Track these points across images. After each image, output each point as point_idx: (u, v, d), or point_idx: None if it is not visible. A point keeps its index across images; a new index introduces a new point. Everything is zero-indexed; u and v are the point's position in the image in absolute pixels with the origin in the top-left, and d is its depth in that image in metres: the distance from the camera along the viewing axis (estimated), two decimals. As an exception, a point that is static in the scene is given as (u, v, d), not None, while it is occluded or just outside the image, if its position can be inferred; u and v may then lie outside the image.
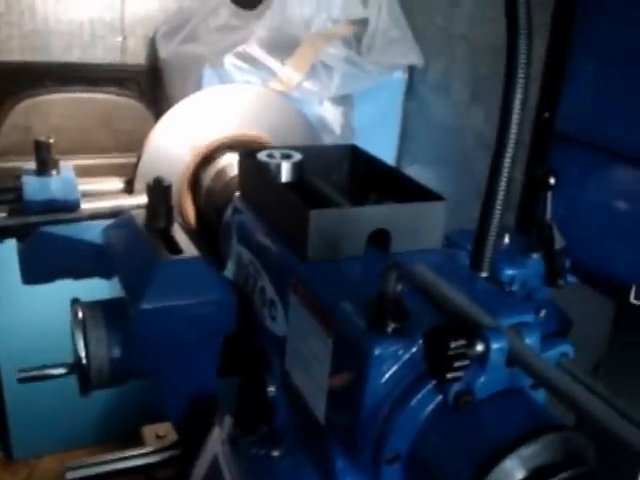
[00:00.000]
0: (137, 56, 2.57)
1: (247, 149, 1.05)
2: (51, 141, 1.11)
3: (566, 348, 0.80)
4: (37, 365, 0.86)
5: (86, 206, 1.11)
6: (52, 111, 2.36)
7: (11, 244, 1.01)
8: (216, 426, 0.84)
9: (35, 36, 2.42)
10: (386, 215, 0.73)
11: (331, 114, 2.35)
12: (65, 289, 0.94)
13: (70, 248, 0.94)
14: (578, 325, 0.89)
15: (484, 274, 0.72)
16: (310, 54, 2.22)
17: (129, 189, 1.21)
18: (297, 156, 0.87)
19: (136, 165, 1.21)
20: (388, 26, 2.32)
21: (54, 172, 1.12)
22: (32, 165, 1.12)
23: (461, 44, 2.23)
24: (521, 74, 0.65)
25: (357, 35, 2.33)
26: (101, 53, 2.52)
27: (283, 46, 2.21)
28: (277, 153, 0.87)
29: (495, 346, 0.54)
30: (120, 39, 2.53)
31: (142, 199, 1.02)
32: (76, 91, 2.42)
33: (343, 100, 2.35)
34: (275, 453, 0.74)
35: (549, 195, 0.83)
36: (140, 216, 0.91)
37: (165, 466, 0.92)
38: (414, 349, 0.57)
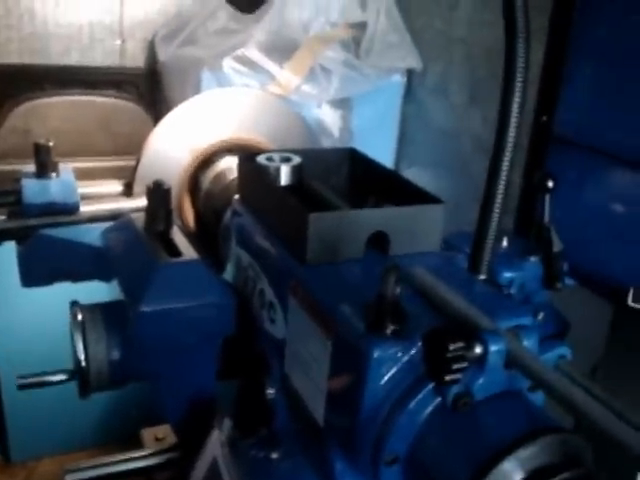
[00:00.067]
0: (136, 59, 2.57)
1: (246, 152, 1.05)
2: (51, 144, 1.11)
3: (564, 350, 0.81)
4: (36, 367, 0.86)
5: (85, 209, 1.11)
6: (51, 114, 2.37)
7: (10, 247, 1.01)
8: (215, 428, 0.84)
9: (34, 39, 2.42)
10: (385, 218, 0.73)
11: (330, 117, 2.36)
12: (64, 292, 0.94)
13: (69, 251, 0.94)
14: (576, 328, 0.89)
15: (482, 277, 0.72)
16: (309, 57, 2.22)
17: (128, 192, 1.21)
18: (296, 159, 0.87)
19: (135, 168, 1.21)
20: (386, 29, 2.33)
21: (53, 175, 1.12)
22: (31, 168, 1.12)
23: (459, 47, 2.24)
24: (519, 77, 0.66)
25: (356, 38, 2.34)
26: (100, 56, 2.52)
27: (282, 49, 2.22)
28: (276, 156, 0.87)
29: (493, 348, 0.54)
30: (119, 42, 2.54)
31: (141, 202, 1.03)
32: (75, 94, 2.42)
33: (342, 103, 2.36)
34: (274, 455, 0.74)
35: (547, 198, 0.83)
36: (139, 219, 0.91)
37: (164, 468, 0.92)
38: (413, 351, 0.57)
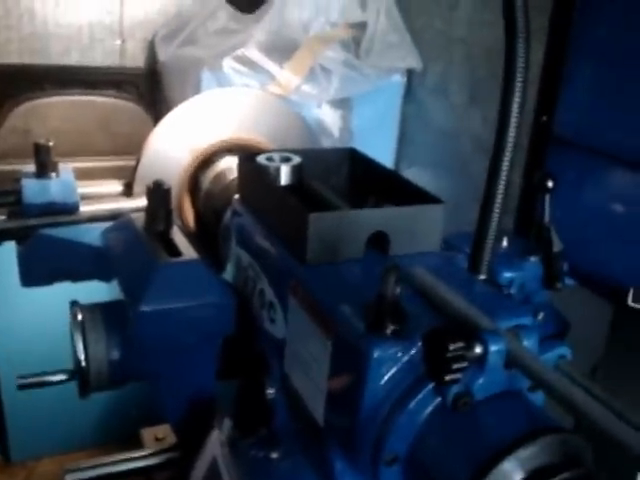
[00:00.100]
0: (136, 59, 2.57)
1: (246, 152, 1.05)
2: (51, 144, 1.11)
3: (564, 350, 0.81)
4: (36, 367, 0.86)
5: (85, 209, 1.11)
6: (51, 114, 2.37)
7: (10, 246, 1.01)
8: (215, 428, 0.84)
9: (34, 39, 2.42)
10: (385, 218, 0.73)
11: (330, 117, 2.36)
12: (64, 292, 0.94)
13: (69, 251, 0.94)
14: (576, 328, 0.89)
15: (482, 277, 0.72)
16: (309, 57, 2.22)
17: (128, 192, 1.21)
18: (296, 159, 0.87)
19: (135, 168, 1.21)
20: (386, 29, 2.33)
21: (53, 175, 1.12)
22: (31, 168, 1.12)
23: (459, 47, 2.24)
24: (519, 77, 0.66)
25: (356, 38, 2.34)
26: (100, 56, 2.52)
27: (282, 49, 2.22)
28: (276, 156, 0.87)
29: (493, 348, 0.54)
30: (119, 42, 2.54)
31: (141, 202, 1.03)
32: (75, 94, 2.43)
33: (342, 103, 2.36)
34: (274, 455, 0.74)
35: (547, 198, 0.83)
36: (139, 219, 0.91)
37: (164, 468, 0.92)
38: (413, 351, 0.57)
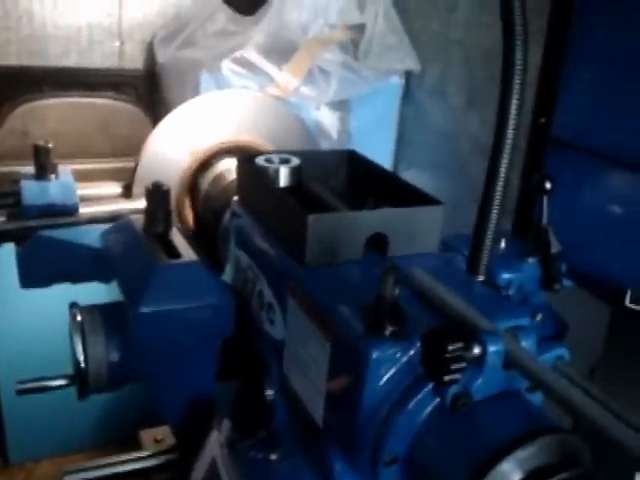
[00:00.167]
0: (135, 61, 2.57)
1: (245, 154, 1.06)
2: (50, 146, 1.11)
3: (562, 351, 0.81)
4: (35, 368, 0.86)
5: (85, 210, 1.11)
6: (49, 116, 2.37)
7: (9, 248, 1.01)
8: (214, 430, 0.84)
9: (33, 41, 2.42)
10: (384, 219, 0.73)
11: (328, 119, 2.36)
12: (63, 293, 0.94)
13: (69, 252, 0.94)
14: (574, 329, 0.89)
15: (480, 278, 0.73)
16: (307, 59, 2.23)
17: (127, 194, 1.21)
18: (295, 161, 0.87)
19: (134, 170, 1.21)
20: (385, 31, 2.33)
21: (53, 176, 1.12)
22: (30, 169, 1.12)
23: (457, 49, 2.24)
24: (517, 79, 0.66)
25: (354, 40, 2.34)
26: (99, 58, 2.53)
27: (280, 51, 2.22)
28: (275, 158, 0.87)
29: (492, 349, 0.54)
30: (118, 44, 2.54)
31: (140, 203, 1.03)
32: (73, 96, 2.43)
33: (340, 105, 2.36)
34: (273, 456, 0.74)
35: (545, 200, 0.83)
36: (138, 220, 0.91)
37: (163, 470, 0.92)
38: (412, 352, 0.57)
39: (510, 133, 0.67)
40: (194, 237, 1.23)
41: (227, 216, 0.93)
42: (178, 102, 1.26)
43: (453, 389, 0.55)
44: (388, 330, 0.57)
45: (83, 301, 0.84)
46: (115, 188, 1.23)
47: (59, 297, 0.93)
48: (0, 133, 2.31)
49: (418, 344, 0.57)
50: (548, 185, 0.83)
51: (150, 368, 0.82)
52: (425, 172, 2.44)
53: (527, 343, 0.60)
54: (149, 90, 2.54)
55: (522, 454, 0.50)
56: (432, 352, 0.54)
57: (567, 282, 0.87)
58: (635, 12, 1.58)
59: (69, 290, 0.94)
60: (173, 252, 0.84)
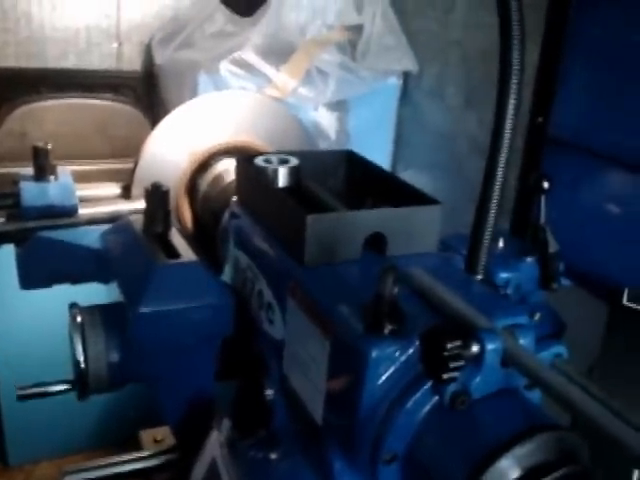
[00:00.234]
0: (133, 62, 2.58)
1: (244, 154, 1.06)
2: (49, 147, 1.11)
3: (560, 349, 0.81)
4: (34, 369, 0.86)
5: (84, 211, 1.11)
6: (48, 117, 2.37)
7: (9, 249, 1.01)
8: (214, 429, 0.84)
9: (31, 43, 2.43)
10: (382, 219, 0.74)
11: (326, 120, 2.37)
12: (63, 294, 0.94)
13: (68, 253, 0.94)
14: (572, 328, 0.90)
15: (479, 277, 0.73)
16: (305, 60, 2.23)
17: (126, 194, 1.21)
18: (294, 161, 0.87)
19: (133, 171, 1.21)
20: (382, 32, 2.34)
21: (52, 178, 1.12)
22: (29, 171, 1.12)
23: (455, 50, 2.24)
24: (514, 79, 0.66)
25: (352, 41, 2.34)
26: (97, 60, 2.53)
27: (278, 52, 2.23)
28: (274, 158, 0.87)
29: (490, 347, 0.55)
30: (116, 45, 2.54)
31: (139, 204, 1.03)
32: (72, 97, 2.43)
33: (338, 106, 2.37)
34: (273, 456, 0.75)
35: (543, 199, 0.83)
36: (138, 221, 0.91)
37: (163, 470, 0.92)
38: (411, 351, 0.57)
39: (507, 133, 0.67)
40: (193, 238, 1.23)
41: (226, 216, 0.94)
42: (176, 103, 1.26)
43: (452, 387, 0.55)
44: (387, 329, 0.57)
45: (83, 302, 0.84)
46: (114, 189, 1.24)
47: (59, 298, 0.93)
48: (-2, 135, 2.31)
49: (417, 343, 0.57)
50: (546, 184, 0.83)
51: (150, 368, 0.82)
52: (423, 172, 2.44)
53: (525, 341, 0.61)
54: (147, 91, 2.55)
55: (520, 451, 0.51)
56: (431, 350, 0.54)
57: (565, 281, 0.87)
58: (633, 8, 1.58)
59: (69, 291, 0.94)
60: (172, 252, 0.85)
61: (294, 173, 0.86)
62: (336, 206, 0.82)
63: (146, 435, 1.02)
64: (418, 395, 0.57)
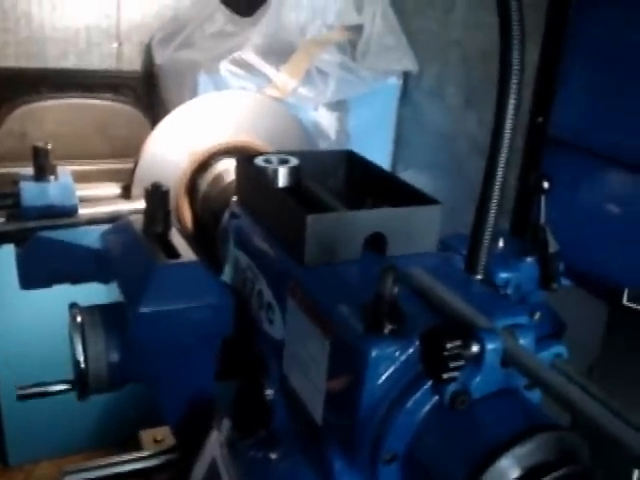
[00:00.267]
0: (133, 62, 2.58)
1: (244, 155, 1.06)
2: (49, 147, 1.11)
3: (560, 349, 0.81)
4: (34, 369, 0.86)
5: (84, 211, 1.11)
6: (48, 117, 2.37)
7: (9, 249, 1.01)
8: (214, 429, 0.84)
9: (31, 43, 2.43)
10: (382, 219, 0.74)
11: (326, 120, 2.37)
12: (63, 294, 0.94)
13: (68, 253, 0.94)
14: (572, 328, 0.90)
15: (479, 277, 0.73)
16: (305, 60, 2.23)
17: (126, 194, 1.21)
18: (294, 161, 0.87)
19: (133, 171, 1.21)
20: (382, 32, 2.34)
21: (52, 178, 1.12)
22: (29, 171, 1.12)
23: (455, 50, 2.24)
24: (514, 79, 0.66)
25: (352, 41, 2.35)
26: (97, 60, 2.53)
27: (278, 52, 2.23)
28: (274, 158, 0.87)
29: (490, 347, 0.55)
30: (116, 45, 2.54)
31: (139, 204, 1.03)
32: (72, 97, 2.43)
33: (338, 106, 2.37)
34: (273, 456, 0.75)
35: (543, 199, 0.83)
36: (138, 221, 0.91)
37: (163, 470, 0.92)
38: (411, 350, 0.57)
39: (507, 133, 0.67)
40: (193, 238, 1.23)
41: (226, 216, 0.94)
42: (176, 103, 1.26)
43: (452, 387, 0.55)
44: (387, 329, 0.57)
45: (83, 302, 0.84)
46: (114, 189, 1.24)
47: (59, 298, 0.93)
48: (-1, 135, 2.31)
49: (417, 342, 0.57)
50: (546, 184, 0.83)
51: (150, 368, 0.82)
52: (423, 172, 2.45)
53: (525, 341, 0.61)
54: (147, 91, 2.55)
55: (520, 451, 0.51)
56: (431, 350, 0.54)
57: (565, 281, 0.87)
58: (633, 8, 1.58)
59: (69, 291, 0.94)
60: (172, 252, 0.85)
61: (294, 173, 0.86)
62: (336, 206, 0.82)
63: (146, 435, 1.02)
64: (418, 395, 0.57)
